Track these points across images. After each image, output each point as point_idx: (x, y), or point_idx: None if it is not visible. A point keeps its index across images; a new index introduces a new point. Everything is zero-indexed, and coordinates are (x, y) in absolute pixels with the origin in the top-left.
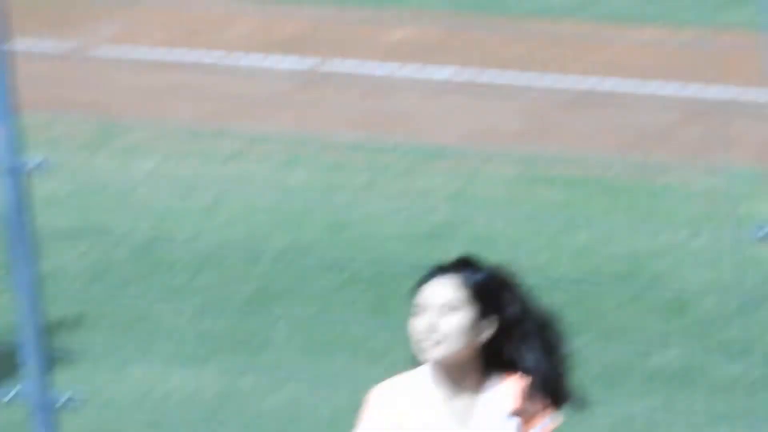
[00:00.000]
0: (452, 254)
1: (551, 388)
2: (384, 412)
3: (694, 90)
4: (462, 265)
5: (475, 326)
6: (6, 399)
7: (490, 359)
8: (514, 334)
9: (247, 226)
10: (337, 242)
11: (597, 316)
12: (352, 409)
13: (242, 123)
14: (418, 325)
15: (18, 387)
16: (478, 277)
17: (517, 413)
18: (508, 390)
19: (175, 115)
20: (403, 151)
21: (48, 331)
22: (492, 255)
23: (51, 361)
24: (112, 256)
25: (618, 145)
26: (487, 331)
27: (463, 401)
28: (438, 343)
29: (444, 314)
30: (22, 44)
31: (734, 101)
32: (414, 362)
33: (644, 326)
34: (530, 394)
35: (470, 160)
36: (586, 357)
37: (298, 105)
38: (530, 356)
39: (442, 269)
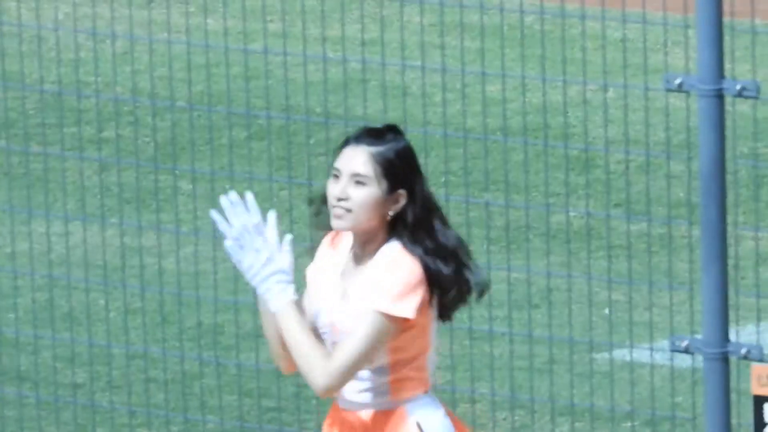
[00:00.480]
0: (362, 104)
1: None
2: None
3: None
4: (381, 135)
5: (382, 202)
6: None
7: (395, 231)
8: (415, 215)
9: (158, 74)
10: (248, 91)
11: (503, 171)
12: None
13: None
14: (332, 190)
15: None
16: (391, 153)
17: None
18: (381, 258)
19: None
20: None
21: None
22: (402, 105)
23: None
24: (21, 106)
25: None
26: (394, 206)
27: (353, 267)
28: (347, 211)
29: (354, 185)
30: None
31: None
32: (315, 219)
33: (549, 182)
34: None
35: (385, 6)
36: (490, 213)
37: None
38: (428, 240)
39: (360, 137)
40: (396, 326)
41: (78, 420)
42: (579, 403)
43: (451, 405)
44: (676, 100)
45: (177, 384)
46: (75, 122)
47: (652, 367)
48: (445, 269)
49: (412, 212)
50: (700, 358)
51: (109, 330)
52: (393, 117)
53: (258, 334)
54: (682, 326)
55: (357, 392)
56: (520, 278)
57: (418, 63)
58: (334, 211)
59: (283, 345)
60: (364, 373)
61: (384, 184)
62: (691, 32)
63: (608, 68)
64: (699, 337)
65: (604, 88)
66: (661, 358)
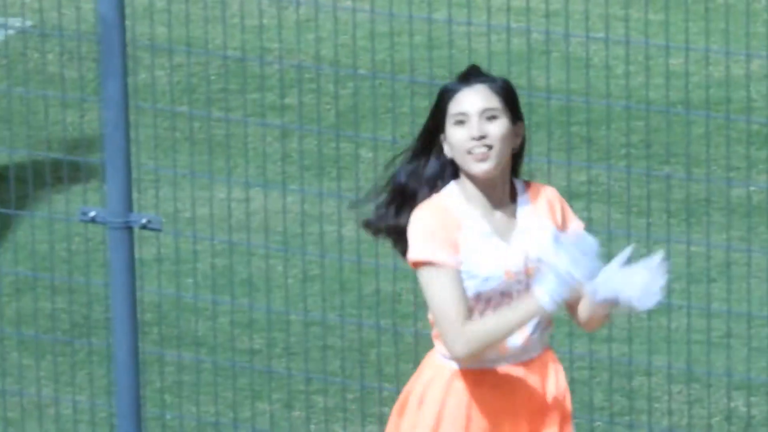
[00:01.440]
0: (545, 75)
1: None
2: (443, 235)
3: None
4: (484, 73)
5: (512, 134)
6: (86, 219)
7: (514, 169)
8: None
9: (341, 42)
10: (431, 60)
11: (684, 144)
12: None
13: None
14: (466, 133)
15: (98, 208)
16: (503, 84)
17: (551, 216)
18: (536, 195)
19: None
20: None
21: (133, 148)
22: (585, 76)
23: (133, 180)
24: (204, 71)
25: None
26: (516, 139)
27: (501, 214)
28: (489, 148)
29: (487, 120)
30: None
31: None
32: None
33: (730, 156)
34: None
35: None
36: (671, 186)
37: None
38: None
39: (468, 79)
40: None
41: (254, 386)
42: (755, 378)
43: (627, 377)
44: None
45: (354, 352)
46: (257, 88)
47: None
48: None
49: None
50: None
51: (287, 297)
52: (575, 88)
53: None
54: None
55: (536, 345)
56: (699, 251)
57: (602, 35)
58: (475, 155)
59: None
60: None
61: (510, 115)
62: None
63: None
64: None
65: None
66: None
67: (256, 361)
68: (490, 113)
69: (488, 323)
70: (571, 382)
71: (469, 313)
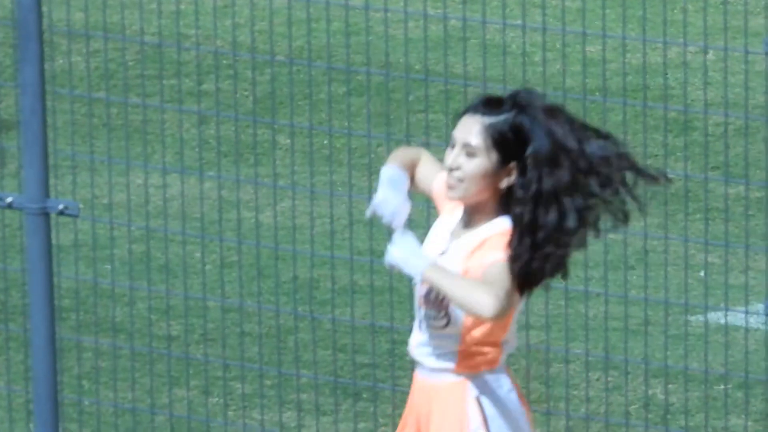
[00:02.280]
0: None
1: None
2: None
3: None
4: (498, 105)
5: (492, 174)
6: (3, 205)
7: (507, 205)
8: (525, 189)
9: (258, 28)
10: (348, 47)
11: None
12: (350, 221)
13: None
14: (447, 158)
15: (15, 194)
16: (505, 125)
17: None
18: (487, 232)
19: None
20: None
21: (50, 134)
22: (502, 63)
23: (50, 166)
24: (121, 57)
25: None
26: (507, 178)
27: (458, 230)
28: (458, 181)
29: (466, 155)
30: None
31: None
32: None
33: (647, 143)
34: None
35: None
36: None
37: None
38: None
39: (477, 106)
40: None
41: (172, 372)
42: (673, 365)
43: (544, 365)
44: None
45: (271, 338)
46: (174, 74)
47: (747, 330)
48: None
49: (530, 186)
50: None
51: (205, 283)
52: (492, 75)
53: (354, 290)
54: None
55: (426, 356)
56: (617, 239)
57: (519, 22)
58: (447, 181)
59: None
60: (438, 341)
61: (494, 156)
62: None
63: (708, 30)
64: None
65: (704, 50)
66: (755, 321)
67: (173, 348)
68: (470, 149)
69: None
70: None
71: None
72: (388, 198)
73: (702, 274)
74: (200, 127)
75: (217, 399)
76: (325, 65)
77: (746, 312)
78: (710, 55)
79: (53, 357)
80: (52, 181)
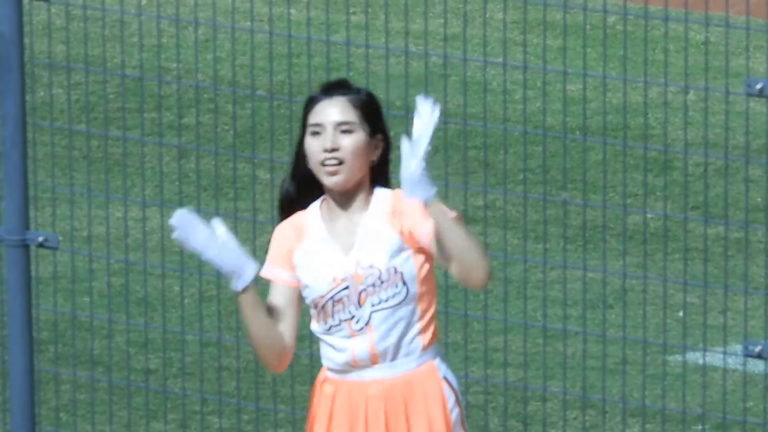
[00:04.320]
0: (443, 99)
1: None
2: (279, 249)
3: None
4: (347, 86)
5: (368, 147)
6: None
7: (374, 180)
8: (389, 154)
9: (239, 63)
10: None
11: (581, 170)
12: None
13: None
14: (320, 144)
15: None
16: (364, 97)
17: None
18: (382, 203)
19: None
20: None
21: (31, 166)
22: (483, 101)
23: (30, 198)
24: (102, 90)
25: None
26: (376, 152)
27: (346, 223)
28: (340, 163)
29: (341, 134)
30: None
31: None
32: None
33: (627, 183)
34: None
35: (468, 2)
36: (568, 212)
37: None
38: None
39: (329, 90)
40: None
41: (150, 405)
42: (651, 405)
43: (522, 402)
44: (757, 105)
45: (249, 373)
46: (155, 108)
47: (725, 371)
48: None
49: (387, 156)
50: None
51: (184, 316)
52: (473, 112)
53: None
54: (756, 331)
55: (389, 353)
56: (596, 278)
57: (500, 59)
58: (326, 168)
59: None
60: (399, 321)
61: (367, 128)
62: None
63: (689, 70)
64: None
65: (685, 90)
66: (734, 362)
67: (151, 381)
68: (345, 126)
69: None
70: (467, 406)
71: (315, 319)
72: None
73: (681, 314)
74: (180, 160)
75: None
76: (306, 100)
77: (724, 352)
78: (691, 95)
79: (31, 389)
80: (31, 213)
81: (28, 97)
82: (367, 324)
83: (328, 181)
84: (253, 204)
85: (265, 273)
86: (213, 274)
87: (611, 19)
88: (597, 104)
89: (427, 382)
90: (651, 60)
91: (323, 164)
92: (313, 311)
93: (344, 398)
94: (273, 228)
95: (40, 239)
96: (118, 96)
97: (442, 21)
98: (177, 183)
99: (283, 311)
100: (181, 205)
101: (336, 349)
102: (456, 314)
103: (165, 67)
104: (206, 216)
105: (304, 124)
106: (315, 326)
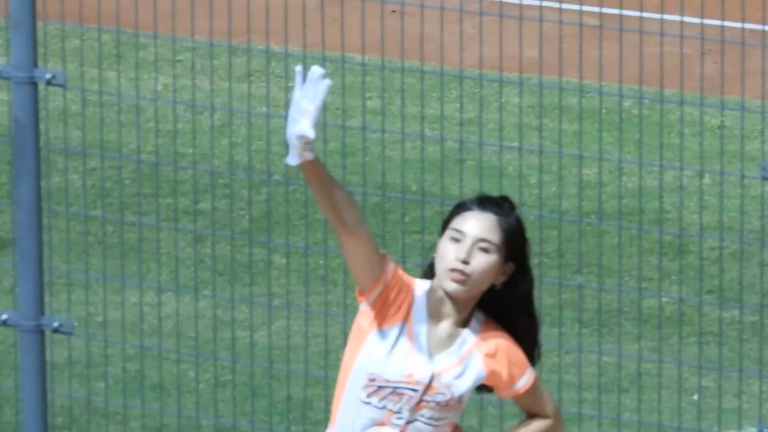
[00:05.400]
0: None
1: (530, 350)
2: (403, 283)
3: (713, 23)
4: (502, 205)
5: (497, 270)
6: None
7: (482, 301)
8: (519, 288)
9: (255, 148)
10: (344, 167)
11: (597, 254)
12: (344, 341)
13: (259, 41)
14: (455, 251)
15: (9, 310)
16: (513, 222)
17: (489, 361)
18: (489, 341)
19: (192, 30)
20: (416, 75)
21: (46, 252)
22: (499, 185)
23: (45, 284)
24: (117, 175)
25: (633, 77)
26: (502, 277)
27: (444, 330)
28: (467, 276)
29: (479, 251)
30: None
31: (753, 35)
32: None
33: (642, 267)
34: (512, 354)
35: (484, 87)
36: (583, 296)
37: (316, 24)
38: (522, 318)
39: (483, 204)
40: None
41: None
42: None
43: None
44: None
45: None
46: (171, 193)
47: None
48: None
49: (523, 286)
50: None
51: (199, 402)
52: None
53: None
54: None
55: None
56: (611, 362)
57: (516, 144)
58: (453, 275)
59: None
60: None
61: (504, 252)
62: None
63: (705, 154)
64: None
65: (700, 174)
66: None
67: None
68: (484, 245)
69: None
70: None
71: (358, 386)
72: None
73: (695, 397)
74: (196, 246)
75: None
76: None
77: None
78: (706, 179)
79: None
80: (47, 298)
81: (43, 183)
82: (405, 424)
83: (448, 286)
84: (269, 289)
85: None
86: (228, 359)
87: (627, 103)
88: (612, 188)
89: None
90: (666, 144)
91: (451, 270)
92: (365, 381)
93: None
94: (288, 313)
95: (55, 324)
96: (134, 181)
97: (457, 106)
98: (192, 268)
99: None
100: (196, 290)
101: (360, 421)
102: (471, 400)
103: (180, 152)
104: (221, 301)
105: (446, 225)
106: (360, 393)
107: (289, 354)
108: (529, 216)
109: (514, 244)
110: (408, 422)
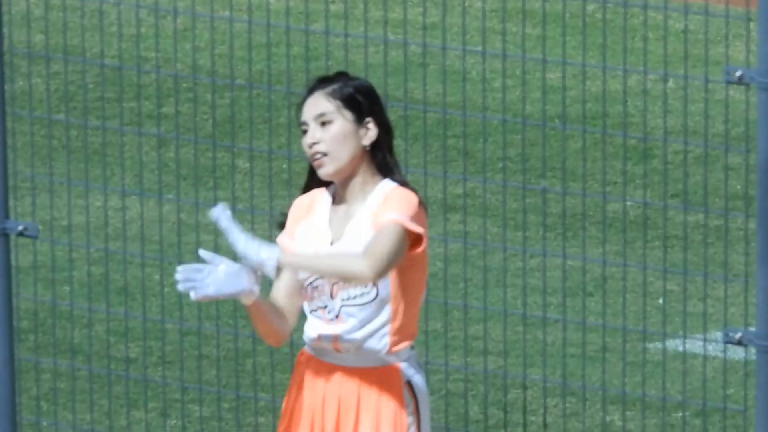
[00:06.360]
0: (422, 88)
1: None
2: (291, 218)
3: None
4: (331, 79)
5: (352, 133)
6: None
7: (379, 167)
8: (388, 140)
9: (218, 52)
10: (307, 72)
11: (561, 158)
12: None
13: None
14: (305, 141)
15: None
16: (348, 87)
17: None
18: (378, 198)
19: None
20: None
21: (10, 155)
22: (462, 89)
23: (10, 188)
24: (81, 79)
25: None
26: (368, 136)
27: (343, 211)
28: (324, 155)
29: (321, 126)
30: None
31: None
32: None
33: (606, 171)
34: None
35: None
36: (547, 200)
37: None
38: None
39: (312, 87)
40: (408, 244)
41: (130, 394)
42: (630, 392)
43: (502, 390)
44: (736, 93)
45: (230, 361)
46: (134, 97)
47: (705, 358)
48: None
49: (385, 142)
50: (753, 350)
51: (164, 305)
52: (452, 101)
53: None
54: (736, 318)
55: (353, 344)
56: (576, 266)
57: (479, 48)
58: (315, 162)
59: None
60: (369, 320)
61: (349, 115)
62: (752, 25)
63: (669, 59)
64: (753, 329)
65: (664, 79)
66: (714, 349)
67: (131, 370)
68: (323, 118)
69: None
70: (447, 394)
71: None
72: (236, 238)
73: (660, 301)
74: (160, 150)
75: (175, 421)
76: (284, 89)
77: (704, 339)
78: (670, 84)
79: (11, 378)
80: (11, 202)
81: (6, 87)
82: (337, 317)
83: (320, 172)
84: (232, 193)
85: (279, 239)
86: (193, 262)
87: (590, 7)
88: (576, 92)
89: (385, 383)
90: (630, 48)
91: (313, 159)
92: (302, 290)
93: (310, 374)
94: (252, 217)
95: (20, 228)
96: (97, 85)
97: (421, 10)
98: (156, 172)
99: (290, 284)
100: (160, 194)
101: (311, 327)
102: (436, 302)
103: (144, 56)
104: (185, 206)
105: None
106: (306, 308)
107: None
108: (492, 120)
109: (356, 105)
110: (337, 314)
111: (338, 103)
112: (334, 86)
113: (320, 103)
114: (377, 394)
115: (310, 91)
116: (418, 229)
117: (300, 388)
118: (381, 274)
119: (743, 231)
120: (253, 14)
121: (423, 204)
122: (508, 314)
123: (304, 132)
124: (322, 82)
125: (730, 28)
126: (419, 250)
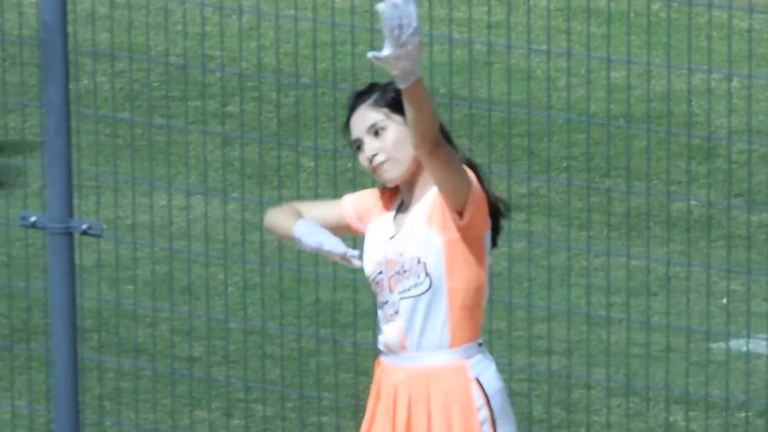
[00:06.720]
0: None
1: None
2: (366, 200)
3: None
4: (368, 90)
5: (407, 134)
6: (27, 224)
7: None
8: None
9: (283, 51)
10: (372, 70)
11: (625, 158)
12: None
13: None
14: (362, 157)
15: (39, 212)
16: (388, 92)
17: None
18: (426, 198)
19: None
20: None
21: (75, 154)
22: (527, 88)
23: (74, 186)
24: (146, 78)
25: None
26: None
27: (408, 213)
28: (384, 162)
29: (375, 136)
30: None
31: None
32: None
33: (670, 170)
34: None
35: None
36: (611, 199)
37: None
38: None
39: (352, 105)
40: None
41: (193, 393)
42: (694, 392)
43: (566, 390)
44: None
45: (293, 360)
46: (199, 96)
47: None
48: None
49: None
50: None
51: (227, 305)
52: (516, 100)
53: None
54: None
55: (416, 347)
56: (639, 265)
57: (544, 47)
58: (377, 172)
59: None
60: (426, 314)
61: (398, 118)
62: None
63: (733, 58)
64: None
65: (729, 78)
66: None
67: (195, 369)
68: (374, 129)
69: None
70: (511, 393)
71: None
72: (322, 241)
73: (724, 301)
74: (224, 148)
75: (238, 421)
76: (349, 87)
77: None
78: (734, 83)
79: (75, 377)
80: (75, 201)
81: (72, 86)
82: (396, 312)
83: (384, 180)
84: (297, 192)
85: (344, 199)
86: (257, 262)
87: (655, 6)
88: (641, 91)
89: (453, 381)
90: (695, 47)
91: (375, 172)
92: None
93: (384, 378)
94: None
95: (84, 227)
96: (162, 84)
97: (486, 8)
98: (221, 171)
99: (321, 218)
100: (225, 193)
101: (381, 330)
102: (500, 302)
103: (209, 54)
104: (249, 204)
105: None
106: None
107: (317, 257)
108: (557, 119)
109: (402, 107)
110: (397, 309)
111: (385, 110)
112: (375, 96)
113: (368, 115)
114: (444, 393)
115: (353, 108)
116: (474, 182)
117: (377, 395)
118: (433, 151)
119: None
120: (318, 12)
121: (493, 201)
122: (571, 314)
123: (359, 148)
124: (360, 97)
125: None
126: (475, 229)
